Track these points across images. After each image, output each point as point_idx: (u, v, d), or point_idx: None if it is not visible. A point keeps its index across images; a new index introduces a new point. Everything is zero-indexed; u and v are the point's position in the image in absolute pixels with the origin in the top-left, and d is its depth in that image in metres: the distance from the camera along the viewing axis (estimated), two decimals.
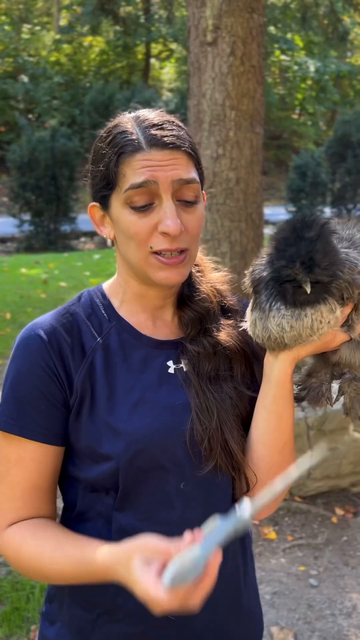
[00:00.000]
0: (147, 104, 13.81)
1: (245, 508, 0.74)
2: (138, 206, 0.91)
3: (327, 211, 14.88)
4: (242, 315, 1.04)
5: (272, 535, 2.98)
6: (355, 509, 3.18)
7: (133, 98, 13.69)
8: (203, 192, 1.01)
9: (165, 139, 0.91)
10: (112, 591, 0.94)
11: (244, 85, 3.59)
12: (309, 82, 20.67)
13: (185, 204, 0.93)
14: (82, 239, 12.64)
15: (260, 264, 0.89)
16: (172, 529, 0.93)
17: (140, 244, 0.92)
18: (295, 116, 22.56)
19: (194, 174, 0.93)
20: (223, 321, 1.03)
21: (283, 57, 20.26)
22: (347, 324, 0.89)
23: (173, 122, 0.95)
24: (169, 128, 0.92)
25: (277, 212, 15.00)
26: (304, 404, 1.01)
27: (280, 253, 0.83)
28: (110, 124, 0.97)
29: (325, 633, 2.38)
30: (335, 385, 1.00)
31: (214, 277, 1.07)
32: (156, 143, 0.90)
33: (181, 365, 0.98)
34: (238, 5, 3.49)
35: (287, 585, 2.65)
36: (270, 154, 20.03)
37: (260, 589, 2.63)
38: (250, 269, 0.91)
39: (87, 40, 20.51)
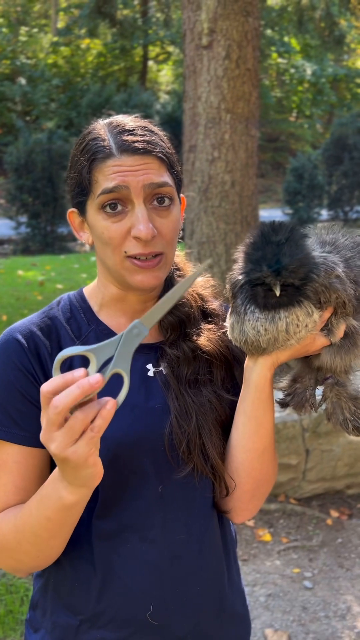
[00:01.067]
0: (144, 106, 13.84)
1: (141, 324, 0.74)
2: (111, 211, 0.91)
3: (324, 213, 14.92)
4: (224, 319, 1.04)
5: (267, 537, 2.98)
6: (350, 511, 3.18)
7: (130, 100, 13.72)
8: (182, 196, 1.01)
9: (136, 144, 0.91)
10: (94, 597, 0.94)
11: (239, 89, 3.61)
12: (306, 84, 20.73)
13: (158, 208, 0.93)
14: (79, 241, 12.63)
15: (237, 268, 0.90)
16: (153, 533, 0.94)
17: (115, 248, 0.92)
18: (292, 119, 22.62)
19: (166, 178, 0.93)
20: (203, 326, 1.03)
21: (280, 59, 20.31)
22: (327, 328, 0.89)
23: (145, 127, 0.96)
24: (141, 133, 0.93)
25: (274, 215, 15.01)
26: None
27: (248, 257, 0.84)
28: (84, 131, 0.98)
29: (320, 635, 2.38)
30: (320, 391, 1.00)
31: (196, 282, 1.08)
32: (127, 149, 0.91)
33: (160, 368, 0.98)
34: (233, 9, 3.51)
35: (282, 588, 2.65)
36: (267, 156, 20.07)
37: (255, 591, 2.63)
38: (229, 273, 0.91)
39: (85, 42, 20.54)
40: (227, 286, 0.91)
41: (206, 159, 3.68)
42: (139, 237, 0.90)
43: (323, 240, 0.92)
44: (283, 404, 1.00)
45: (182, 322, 1.01)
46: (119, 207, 0.91)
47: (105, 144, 0.92)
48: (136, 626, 0.94)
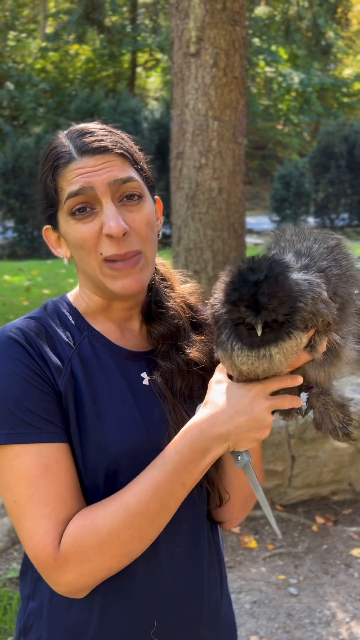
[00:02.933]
0: (133, 112, 13.86)
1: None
2: (79, 215, 0.90)
3: (311, 221, 15.03)
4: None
5: (253, 544, 2.98)
6: (335, 518, 3.19)
7: (119, 106, 13.74)
8: (157, 197, 1.00)
9: (95, 144, 0.91)
10: (95, 618, 0.91)
11: (227, 96, 3.63)
12: (293, 93, 20.94)
13: (128, 204, 0.92)
14: None
15: (217, 301, 0.86)
16: (155, 548, 0.92)
17: (89, 251, 0.91)
18: (279, 127, 22.81)
19: (131, 173, 0.92)
20: (194, 337, 1.02)
21: (267, 68, 20.49)
22: (310, 345, 0.87)
23: (105, 128, 0.95)
24: (101, 134, 0.93)
25: (261, 222, 15.12)
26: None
27: (226, 297, 0.82)
28: (48, 145, 0.97)
29: None
30: (305, 396, 1.00)
31: (183, 290, 1.06)
32: (87, 150, 0.90)
33: (155, 377, 0.97)
34: (221, 17, 3.54)
35: (267, 594, 2.65)
36: (255, 163, 20.21)
37: (240, 598, 2.62)
38: (211, 302, 0.88)
39: (73, 48, 20.56)
40: (210, 315, 0.88)
41: (193, 166, 3.69)
42: (110, 234, 0.89)
43: (298, 251, 0.90)
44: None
45: (172, 333, 1.00)
46: (88, 210, 0.90)
47: (65, 149, 0.92)
48: None
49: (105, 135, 0.93)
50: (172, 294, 1.04)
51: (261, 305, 0.78)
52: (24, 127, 17.92)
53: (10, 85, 18.42)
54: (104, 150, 0.91)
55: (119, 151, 0.92)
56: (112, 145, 0.91)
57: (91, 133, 0.92)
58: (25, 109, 17.72)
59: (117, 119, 12.70)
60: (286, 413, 0.97)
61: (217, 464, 0.98)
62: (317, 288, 0.84)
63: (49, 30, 21.39)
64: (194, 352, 0.99)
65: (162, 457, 0.85)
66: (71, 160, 0.91)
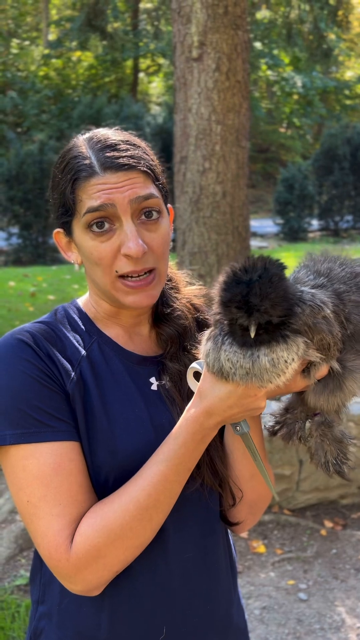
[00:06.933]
0: (135, 117, 13.92)
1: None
2: (98, 230, 0.89)
3: (315, 223, 15.01)
4: None
5: (261, 548, 2.96)
6: (344, 522, 3.17)
7: (121, 112, 13.80)
8: (169, 206, 1.00)
9: (119, 160, 0.89)
10: (105, 624, 0.90)
11: (230, 100, 3.63)
12: (296, 96, 20.95)
13: (147, 222, 0.92)
14: None
15: (214, 301, 0.84)
16: (163, 553, 0.92)
17: (105, 268, 0.90)
18: (282, 130, 22.83)
19: (152, 190, 0.91)
20: (200, 337, 1.01)
21: (269, 72, 20.51)
22: (306, 368, 0.84)
23: (128, 140, 0.93)
24: (124, 148, 0.90)
25: (264, 225, 15.12)
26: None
27: (219, 297, 0.80)
28: (65, 148, 0.95)
29: None
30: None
31: (188, 292, 1.07)
32: (110, 166, 0.88)
33: (164, 382, 0.97)
34: (223, 22, 3.54)
35: (277, 600, 2.63)
36: (258, 167, 20.22)
37: (250, 603, 2.60)
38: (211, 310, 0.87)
39: (76, 55, 20.67)
40: (210, 315, 0.86)
41: (197, 170, 3.69)
42: (130, 254, 0.88)
43: (317, 270, 0.88)
44: (272, 432, 0.99)
45: (179, 334, 1.00)
46: (107, 226, 0.89)
47: (87, 162, 0.90)
48: None
49: (129, 150, 0.91)
50: (177, 295, 1.04)
51: (252, 306, 0.76)
52: (28, 133, 17.99)
53: (13, 92, 18.52)
54: (128, 168, 0.89)
55: (143, 169, 0.91)
56: (136, 163, 0.90)
57: (114, 147, 0.90)
58: (29, 115, 17.81)
59: (120, 124, 12.62)
60: (287, 437, 0.96)
61: (224, 459, 0.99)
62: (320, 303, 0.81)
63: (51, 37, 21.52)
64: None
65: (166, 450, 0.86)
66: (93, 175, 0.89)
